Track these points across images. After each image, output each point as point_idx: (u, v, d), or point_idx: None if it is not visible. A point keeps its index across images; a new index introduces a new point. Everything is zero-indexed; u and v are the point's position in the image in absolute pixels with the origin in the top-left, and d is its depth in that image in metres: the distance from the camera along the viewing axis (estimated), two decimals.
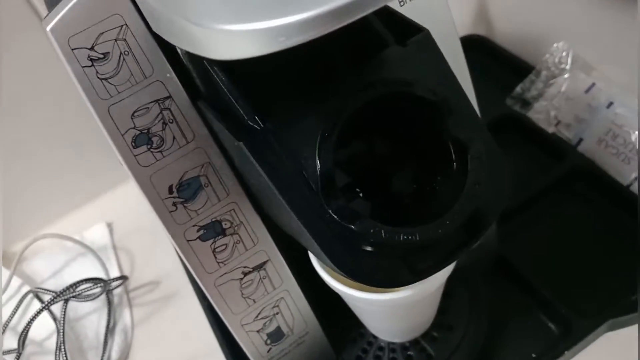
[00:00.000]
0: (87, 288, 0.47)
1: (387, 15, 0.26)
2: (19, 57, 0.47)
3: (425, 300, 0.34)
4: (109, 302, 0.48)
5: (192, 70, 0.25)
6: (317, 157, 0.22)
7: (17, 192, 0.55)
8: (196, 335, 0.45)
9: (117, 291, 0.50)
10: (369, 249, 0.21)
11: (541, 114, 0.52)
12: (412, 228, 0.21)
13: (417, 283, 0.23)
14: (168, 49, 0.25)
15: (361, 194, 0.24)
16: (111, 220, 0.57)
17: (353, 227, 0.21)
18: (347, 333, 0.40)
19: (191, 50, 0.17)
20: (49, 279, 0.53)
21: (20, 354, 0.45)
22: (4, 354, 0.45)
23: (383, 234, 0.20)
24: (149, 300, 0.50)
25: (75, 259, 0.53)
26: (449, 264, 0.24)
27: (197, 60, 0.25)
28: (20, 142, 0.52)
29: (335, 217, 0.21)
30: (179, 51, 0.25)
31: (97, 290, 0.47)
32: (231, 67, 0.24)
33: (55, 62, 0.53)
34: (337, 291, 0.32)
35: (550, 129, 0.52)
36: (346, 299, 0.34)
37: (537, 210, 0.47)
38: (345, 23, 0.13)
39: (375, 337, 0.39)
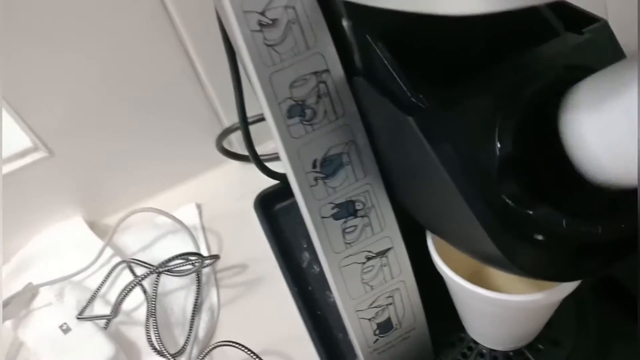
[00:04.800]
0: (179, 264, 0.47)
1: (557, 4, 0.25)
2: (125, 31, 0.48)
3: (545, 308, 0.32)
4: (198, 280, 0.49)
5: (352, 45, 0.25)
6: (496, 138, 0.21)
7: (110, 168, 0.56)
8: (282, 320, 0.45)
9: (205, 270, 0.50)
10: (540, 238, 0.20)
11: None
12: (594, 220, 0.20)
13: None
14: (330, 22, 0.25)
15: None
16: (200, 203, 0.58)
17: (530, 212, 0.20)
18: (445, 335, 0.38)
19: (403, 8, 0.17)
20: (138, 252, 0.54)
21: (110, 320, 0.46)
22: (97, 319, 0.46)
23: (564, 223, 0.19)
24: (236, 282, 0.50)
25: (165, 236, 0.54)
26: (615, 264, 0.22)
27: (360, 34, 0.25)
28: (121, 120, 0.53)
29: (510, 201, 0.20)
30: (343, 24, 0.25)
31: (189, 266, 0.48)
32: (396, 43, 0.24)
33: (160, 37, 0.52)
34: (455, 286, 0.31)
35: None
36: (462, 295, 0.32)
37: None
38: None
39: (475, 342, 0.38)
